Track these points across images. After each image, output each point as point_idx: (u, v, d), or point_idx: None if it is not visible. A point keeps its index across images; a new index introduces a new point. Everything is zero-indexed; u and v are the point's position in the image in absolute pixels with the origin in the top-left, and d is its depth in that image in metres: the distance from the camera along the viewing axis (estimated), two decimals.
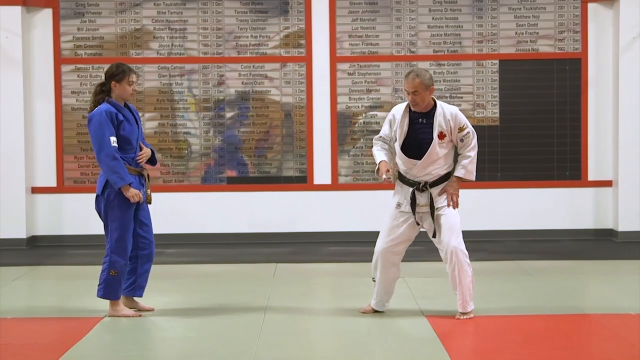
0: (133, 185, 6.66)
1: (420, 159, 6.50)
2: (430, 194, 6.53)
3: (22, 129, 10.23)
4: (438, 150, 6.50)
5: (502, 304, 7.14)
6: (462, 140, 6.54)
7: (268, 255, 9.64)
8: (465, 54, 10.48)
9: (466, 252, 6.54)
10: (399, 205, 6.64)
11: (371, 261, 6.77)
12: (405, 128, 6.56)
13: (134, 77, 6.75)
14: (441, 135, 6.50)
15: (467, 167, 6.56)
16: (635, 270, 8.65)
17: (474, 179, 6.63)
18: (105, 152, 6.56)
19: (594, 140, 10.50)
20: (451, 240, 6.49)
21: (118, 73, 6.71)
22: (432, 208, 6.52)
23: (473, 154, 6.56)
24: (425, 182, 6.54)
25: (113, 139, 6.59)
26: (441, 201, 6.55)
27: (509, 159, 10.47)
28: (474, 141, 6.57)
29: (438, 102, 6.58)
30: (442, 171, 6.57)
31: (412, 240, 6.68)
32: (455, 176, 6.58)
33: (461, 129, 6.52)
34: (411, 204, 6.55)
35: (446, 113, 6.51)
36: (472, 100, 10.41)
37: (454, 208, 6.56)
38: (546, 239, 10.44)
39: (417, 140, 6.53)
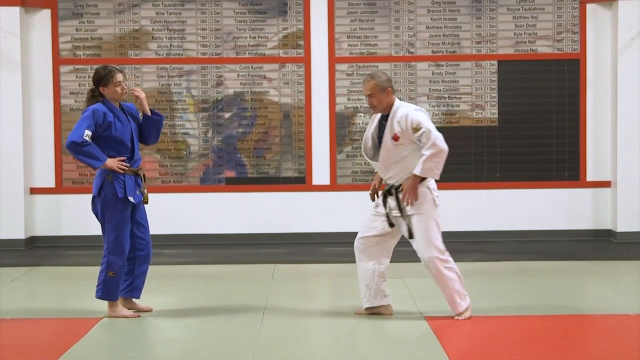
0: (128, 185, 6.66)
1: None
2: (398, 197, 6.48)
3: (20, 129, 10.22)
4: (394, 152, 6.43)
5: (500, 304, 7.14)
6: (420, 141, 6.37)
7: (267, 255, 9.64)
8: (464, 55, 10.47)
9: (443, 256, 6.46)
10: (377, 205, 6.66)
11: None
12: (374, 131, 6.58)
13: (119, 77, 6.71)
14: (396, 137, 6.41)
15: (423, 164, 6.32)
16: (633, 270, 8.65)
17: (434, 176, 6.37)
18: (72, 139, 6.54)
19: (593, 140, 10.50)
20: (425, 250, 6.45)
21: (102, 78, 6.69)
22: (402, 212, 6.49)
23: (429, 152, 6.30)
24: (392, 185, 6.52)
25: (88, 132, 6.57)
26: (409, 207, 6.46)
27: (508, 159, 10.47)
28: (432, 140, 6.30)
29: (397, 104, 6.49)
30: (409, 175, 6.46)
31: (390, 234, 6.59)
32: (412, 174, 6.38)
33: (415, 129, 6.35)
34: (383, 205, 6.57)
35: (398, 114, 6.41)
36: (470, 101, 10.40)
37: (408, 205, 6.38)
38: (544, 239, 10.44)
39: (379, 144, 6.52)
